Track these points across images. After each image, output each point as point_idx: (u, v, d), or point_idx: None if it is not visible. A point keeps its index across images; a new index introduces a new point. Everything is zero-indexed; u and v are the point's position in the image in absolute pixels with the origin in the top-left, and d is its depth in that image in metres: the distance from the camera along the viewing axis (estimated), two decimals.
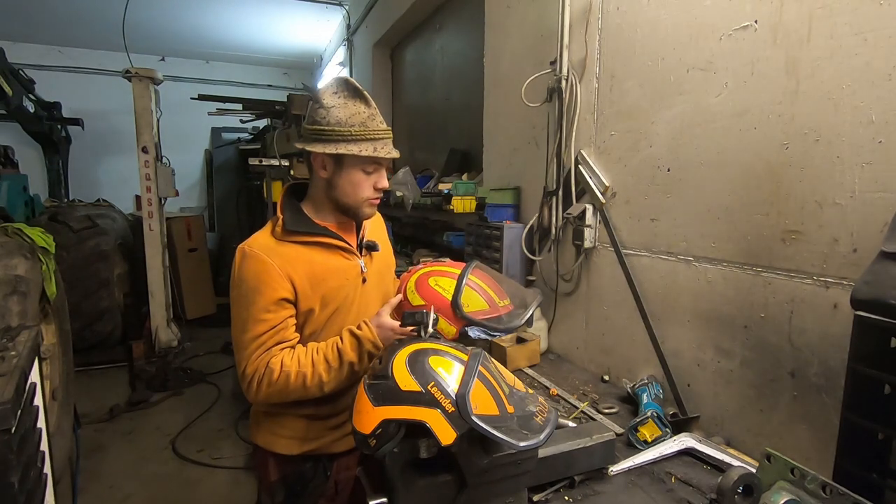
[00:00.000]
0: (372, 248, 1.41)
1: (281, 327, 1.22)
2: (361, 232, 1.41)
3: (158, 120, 4.87)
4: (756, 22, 1.34)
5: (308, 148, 1.23)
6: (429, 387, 0.88)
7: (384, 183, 1.30)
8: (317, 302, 1.26)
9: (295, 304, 1.24)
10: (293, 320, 1.26)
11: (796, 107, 1.26)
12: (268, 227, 1.30)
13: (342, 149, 1.19)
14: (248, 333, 1.20)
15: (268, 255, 1.21)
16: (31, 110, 5.49)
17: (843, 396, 0.98)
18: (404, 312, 1.17)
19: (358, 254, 1.36)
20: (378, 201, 1.33)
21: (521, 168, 2.49)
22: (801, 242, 1.26)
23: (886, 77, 1.08)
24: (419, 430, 0.88)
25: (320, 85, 1.26)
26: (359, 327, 1.25)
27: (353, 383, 1.26)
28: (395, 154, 1.26)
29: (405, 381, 0.88)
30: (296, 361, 1.20)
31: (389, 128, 1.26)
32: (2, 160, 5.46)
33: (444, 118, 4.14)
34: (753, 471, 0.99)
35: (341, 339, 1.25)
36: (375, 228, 1.49)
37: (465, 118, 3.61)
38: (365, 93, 1.24)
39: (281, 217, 1.28)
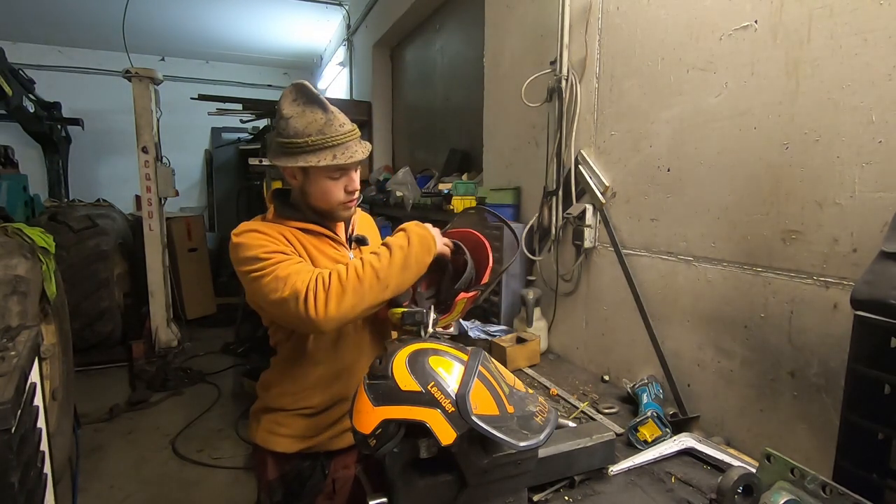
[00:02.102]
0: (361, 241, 1.42)
1: (307, 262, 1.21)
2: (350, 227, 1.42)
3: (158, 120, 4.87)
4: (756, 22, 1.34)
5: (275, 163, 1.23)
6: (429, 387, 0.87)
7: (354, 185, 1.28)
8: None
9: None
10: None
11: (796, 107, 1.26)
12: (257, 218, 1.33)
13: (301, 161, 1.19)
14: (279, 268, 1.12)
15: (265, 226, 1.23)
16: (31, 110, 5.49)
17: (843, 396, 0.98)
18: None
19: (346, 246, 1.38)
20: (353, 202, 1.32)
21: (521, 168, 2.49)
22: (801, 242, 1.26)
23: (886, 77, 1.08)
24: (419, 430, 0.88)
25: (282, 93, 1.24)
26: None
27: (412, 282, 1.18)
28: (360, 156, 1.22)
29: (405, 381, 0.88)
30: (343, 264, 1.14)
31: (353, 128, 1.24)
32: (2, 160, 5.47)
33: (444, 118, 4.14)
34: (753, 471, 0.98)
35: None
36: (365, 226, 1.51)
37: (465, 118, 3.60)
38: (321, 97, 1.22)
39: (272, 206, 1.32)
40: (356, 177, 1.29)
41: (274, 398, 1.36)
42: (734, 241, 1.44)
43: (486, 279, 1.28)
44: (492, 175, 2.79)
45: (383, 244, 1.19)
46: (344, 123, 1.23)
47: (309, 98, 1.21)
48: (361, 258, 1.15)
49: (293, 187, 1.32)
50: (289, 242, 1.23)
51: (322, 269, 1.14)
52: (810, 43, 1.22)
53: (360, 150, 1.24)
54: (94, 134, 7.01)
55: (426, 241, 1.18)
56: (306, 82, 1.24)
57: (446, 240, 1.28)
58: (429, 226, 1.24)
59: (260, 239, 1.19)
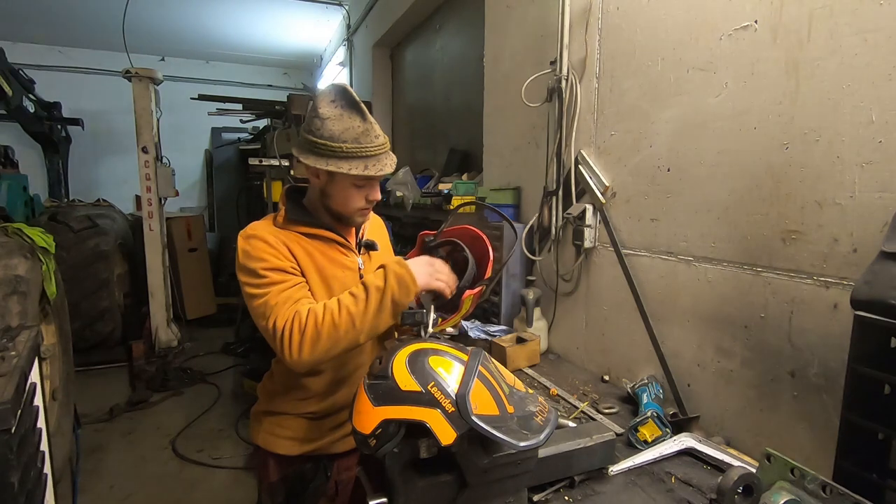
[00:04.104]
0: (370, 247, 1.41)
1: (302, 285, 1.21)
2: (361, 231, 1.41)
3: (158, 120, 4.87)
4: (756, 22, 1.34)
5: (302, 159, 1.23)
6: (429, 387, 0.87)
7: (376, 196, 1.29)
8: (319, 283, 1.26)
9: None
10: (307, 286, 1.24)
11: (796, 107, 1.26)
12: (268, 218, 1.32)
13: (332, 166, 1.18)
14: (269, 295, 1.15)
15: (272, 234, 1.23)
16: (31, 110, 5.50)
17: (843, 396, 0.98)
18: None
19: (356, 252, 1.37)
20: (370, 210, 1.33)
21: (521, 168, 2.49)
22: (801, 242, 1.26)
23: (886, 77, 1.08)
24: (419, 430, 0.88)
25: (320, 88, 1.23)
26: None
27: (389, 323, 1.16)
28: (389, 170, 1.23)
29: (405, 381, 0.88)
30: (322, 304, 1.15)
31: (385, 141, 1.24)
32: (2, 160, 5.46)
33: (444, 118, 4.14)
34: (753, 471, 0.98)
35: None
36: (375, 229, 1.50)
37: (465, 118, 3.60)
38: (362, 105, 1.22)
39: (283, 208, 1.30)
40: (378, 188, 1.30)
41: (276, 403, 1.36)
42: (734, 241, 1.44)
43: (488, 273, 1.28)
44: (492, 175, 2.79)
45: (362, 282, 1.17)
46: (379, 135, 1.23)
47: (349, 102, 1.20)
48: (339, 300, 1.15)
49: (312, 186, 1.31)
50: (292, 256, 1.22)
51: (302, 307, 1.13)
52: (810, 43, 1.22)
53: (389, 163, 1.24)
54: (94, 134, 7.02)
55: (405, 282, 1.15)
56: (348, 86, 1.24)
57: (443, 271, 1.23)
58: (414, 262, 1.20)
59: (263, 251, 1.19)
